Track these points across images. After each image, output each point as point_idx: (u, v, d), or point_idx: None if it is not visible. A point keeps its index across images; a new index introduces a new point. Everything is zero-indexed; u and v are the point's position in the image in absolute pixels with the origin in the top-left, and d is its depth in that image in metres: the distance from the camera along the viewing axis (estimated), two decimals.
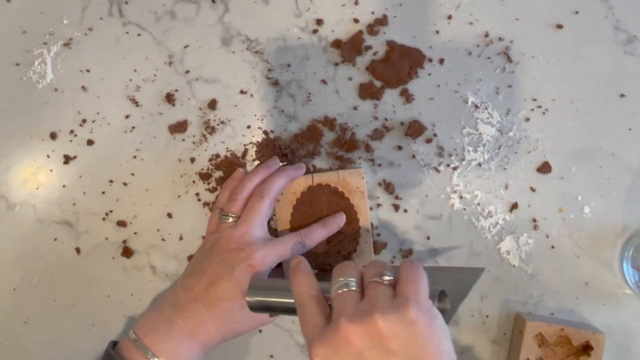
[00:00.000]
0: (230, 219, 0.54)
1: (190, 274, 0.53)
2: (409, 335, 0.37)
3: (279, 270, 0.56)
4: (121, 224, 0.59)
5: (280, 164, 0.58)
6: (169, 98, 0.60)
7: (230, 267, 0.51)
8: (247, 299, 0.48)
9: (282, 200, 0.57)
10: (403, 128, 0.60)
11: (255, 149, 0.60)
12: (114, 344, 0.51)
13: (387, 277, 0.40)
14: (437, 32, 0.60)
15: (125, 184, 0.60)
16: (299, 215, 0.57)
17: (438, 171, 0.60)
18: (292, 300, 0.44)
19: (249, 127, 0.60)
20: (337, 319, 0.38)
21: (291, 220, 0.57)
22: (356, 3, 0.60)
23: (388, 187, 0.59)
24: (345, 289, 0.40)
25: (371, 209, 0.59)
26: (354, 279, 0.41)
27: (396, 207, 0.59)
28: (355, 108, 0.60)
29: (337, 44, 0.60)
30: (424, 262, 0.60)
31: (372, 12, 0.60)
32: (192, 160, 0.60)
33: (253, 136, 0.60)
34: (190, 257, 0.59)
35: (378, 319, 0.36)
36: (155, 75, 0.60)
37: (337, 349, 0.37)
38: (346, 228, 0.57)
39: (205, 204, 0.59)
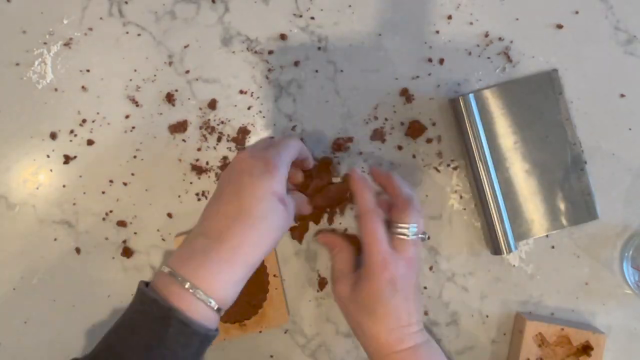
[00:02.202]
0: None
1: (213, 201, 0.49)
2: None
3: None
4: (121, 224, 0.59)
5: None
6: (169, 98, 0.60)
7: (250, 174, 0.47)
8: None
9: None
10: (403, 128, 0.60)
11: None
12: (146, 284, 0.46)
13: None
14: (437, 32, 0.60)
15: (125, 184, 0.60)
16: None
17: (438, 171, 0.60)
18: None
19: (249, 126, 0.60)
20: (413, 255, 0.51)
21: None
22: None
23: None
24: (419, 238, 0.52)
25: None
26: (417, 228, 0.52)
27: None
28: (355, 108, 0.60)
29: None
30: (425, 262, 0.60)
31: (372, 12, 0.60)
32: (192, 160, 0.60)
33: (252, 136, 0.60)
34: None
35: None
36: (155, 75, 0.60)
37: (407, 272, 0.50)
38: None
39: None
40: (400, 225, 0.51)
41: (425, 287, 0.59)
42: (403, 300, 0.49)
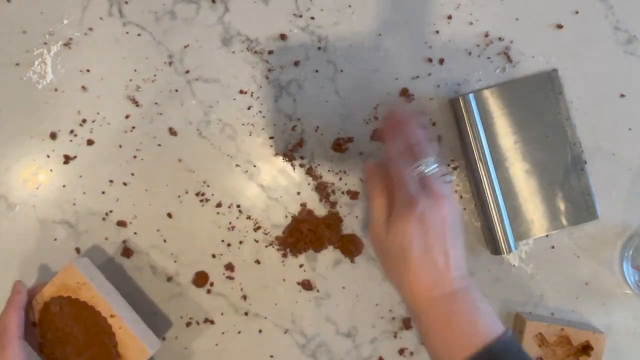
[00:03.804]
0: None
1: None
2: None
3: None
4: (121, 224, 0.59)
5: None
6: (169, 98, 0.60)
7: None
8: None
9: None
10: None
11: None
12: None
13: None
14: (437, 32, 0.60)
15: (125, 184, 0.60)
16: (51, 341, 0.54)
17: None
18: None
19: (249, 126, 0.60)
20: (442, 195, 0.47)
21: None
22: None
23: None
24: (435, 170, 0.49)
25: None
26: (436, 164, 0.49)
27: None
28: (355, 108, 0.60)
29: None
30: None
31: (372, 12, 0.60)
32: (192, 160, 0.60)
33: (252, 135, 0.60)
34: None
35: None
36: (155, 75, 0.60)
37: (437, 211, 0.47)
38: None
39: (206, 199, 0.59)
40: (416, 164, 0.48)
41: None
42: (437, 239, 0.46)
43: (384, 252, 0.49)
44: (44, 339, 0.53)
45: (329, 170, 0.60)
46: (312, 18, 0.60)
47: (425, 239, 0.46)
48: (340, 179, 0.60)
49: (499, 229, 0.56)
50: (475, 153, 0.57)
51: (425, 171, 0.48)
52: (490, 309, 0.46)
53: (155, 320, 0.59)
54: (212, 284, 0.59)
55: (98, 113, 0.60)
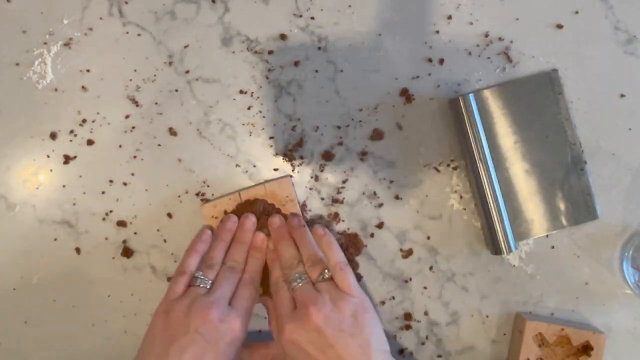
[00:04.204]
0: (209, 285, 0.52)
1: (166, 347, 0.48)
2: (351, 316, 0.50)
3: None
4: (121, 224, 0.59)
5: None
6: (169, 98, 0.60)
7: (212, 339, 0.48)
8: None
9: (212, 222, 0.57)
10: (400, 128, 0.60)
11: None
12: None
13: (327, 275, 0.53)
14: (437, 32, 0.60)
15: (125, 184, 0.60)
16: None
17: (438, 171, 0.60)
18: None
19: (249, 126, 0.60)
20: (306, 306, 0.50)
21: None
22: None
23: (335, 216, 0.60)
24: (302, 283, 0.52)
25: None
26: (304, 274, 0.53)
27: (396, 207, 0.59)
28: (355, 108, 0.60)
29: None
30: (425, 262, 0.60)
31: (372, 12, 0.60)
32: (192, 160, 0.60)
33: (252, 135, 0.60)
34: None
35: (336, 307, 0.50)
36: (155, 75, 0.60)
37: (304, 327, 0.49)
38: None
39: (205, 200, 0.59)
40: (289, 280, 0.53)
41: (425, 287, 0.59)
42: (322, 350, 0.48)
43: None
44: None
45: (328, 171, 0.60)
46: (312, 18, 0.60)
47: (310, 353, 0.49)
48: (343, 180, 0.60)
49: (499, 228, 0.56)
50: (475, 153, 0.57)
51: (298, 285, 0.52)
52: None
53: None
54: None
55: (98, 113, 0.60)
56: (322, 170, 0.60)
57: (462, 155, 0.59)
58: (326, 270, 0.53)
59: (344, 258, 0.54)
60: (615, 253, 0.59)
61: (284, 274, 0.54)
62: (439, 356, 0.59)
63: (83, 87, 0.60)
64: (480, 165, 0.57)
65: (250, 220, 0.57)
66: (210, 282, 0.53)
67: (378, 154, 0.60)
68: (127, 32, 0.60)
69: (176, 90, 0.60)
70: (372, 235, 0.59)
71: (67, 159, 0.59)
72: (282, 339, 0.50)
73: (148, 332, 0.51)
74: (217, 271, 0.54)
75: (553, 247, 0.59)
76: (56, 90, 0.60)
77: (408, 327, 0.59)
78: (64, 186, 0.60)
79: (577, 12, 0.60)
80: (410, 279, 0.59)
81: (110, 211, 0.60)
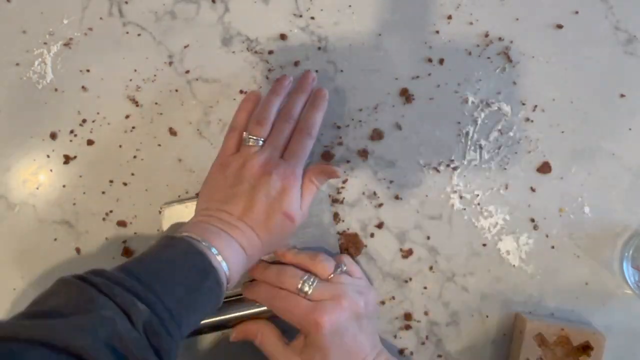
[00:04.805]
0: (260, 142, 0.53)
1: (225, 199, 0.51)
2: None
3: None
4: (121, 224, 0.59)
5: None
6: (169, 98, 0.60)
7: (266, 191, 0.50)
8: None
9: None
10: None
11: None
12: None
13: (344, 268, 0.54)
14: (437, 32, 0.60)
15: (125, 184, 0.60)
16: None
17: (438, 171, 0.60)
18: None
19: None
20: (340, 298, 0.50)
21: None
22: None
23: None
24: (313, 285, 0.51)
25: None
26: (312, 277, 0.52)
27: (396, 207, 0.59)
28: (355, 108, 0.60)
29: None
30: (425, 262, 0.60)
31: (372, 12, 0.60)
32: (192, 160, 0.60)
33: None
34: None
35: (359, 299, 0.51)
36: (155, 75, 0.60)
37: (340, 315, 0.50)
38: None
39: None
40: (296, 290, 0.51)
41: (425, 287, 0.59)
42: (352, 340, 0.49)
43: None
44: None
45: None
46: (312, 18, 0.60)
47: (342, 344, 0.49)
48: (343, 180, 0.60)
49: None
50: None
51: (310, 288, 0.51)
52: None
53: None
54: None
55: (98, 113, 0.60)
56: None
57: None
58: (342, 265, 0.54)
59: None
60: (615, 253, 0.59)
61: (291, 284, 0.52)
62: (439, 356, 0.59)
63: (83, 87, 0.60)
64: None
65: (311, 74, 0.57)
66: (260, 139, 0.53)
67: (378, 154, 0.60)
68: (127, 32, 0.60)
69: (176, 90, 0.60)
70: (372, 235, 0.59)
71: (67, 159, 0.59)
72: (322, 332, 0.48)
73: (207, 182, 0.53)
74: (268, 126, 0.53)
75: (553, 247, 0.59)
76: (56, 90, 0.60)
77: (408, 327, 0.59)
78: (64, 186, 0.60)
79: (577, 12, 0.60)
80: (410, 279, 0.59)
81: (110, 211, 0.60)
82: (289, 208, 0.51)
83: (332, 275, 0.52)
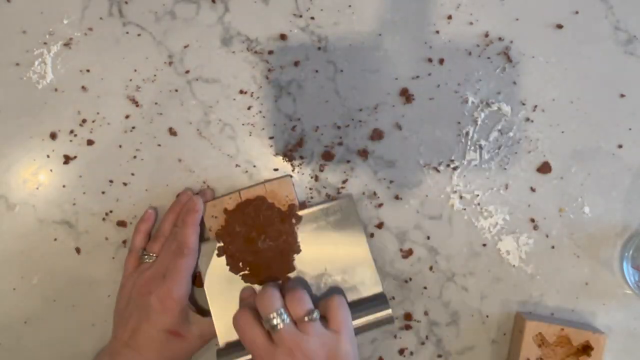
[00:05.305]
0: (152, 259, 0.56)
1: (117, 322, 0.55)
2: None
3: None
4: (121, 224, 0.59)
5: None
6: (169, 98, 0.60)
7: (146, 311, 0.52)
8: None
9: (211, 221, 0.57)
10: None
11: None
12: None
13: (315, 315, 0.49)
14: (437, 32, 0.60)
15: (125, 184, 0.60)
16: (232, 234, 0.56)
17: (438, 171, 0.60)
18: None
19: (249, 126, 0.60)
20: (293, 353, 0.47)
21: (225, 241, 0.56)
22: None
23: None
24: (282, 324, 0.48)
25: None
26: (285, 314, 0.49)
27: (396, 207, 0.59)
28: (355, 108, 0.60)
29: None
30: (425, 262, 0.60)
31: (372, 12, 0.60)
32: (192, 160, 0.60)
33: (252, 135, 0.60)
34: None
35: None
36: (155, 75, 0.60)
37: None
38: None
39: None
40: (266, 317, 0.49)
41: (425, 287, 0.59)
42: None
43: None
44: (231, 237, 0.56)
45: (328, 171, 0.60)
46: (312, 18, 0.60)
47: None
48: (343, 180, 0.60)
49: None
50: None
51: (279, 325, 0.48)
52: None
53: None
54: None
55: (98, 113, 0.60)
56: (322, 170, 0.60)
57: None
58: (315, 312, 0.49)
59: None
60: (615, 253, 0.59)
61: (265, 307, 0.50)
62: (439, 356, 0.59)
63: (83, 87, 0.60)
64: None
65: (187, 193, 0.58)
66: (153, 255, 0.56)
67: (378, 154, 0.60)
68: (127, 32, 0.60)
69: (176, 90, 0.60)
70: (372, 235, 0.59)
71: (67, 159, 0.60)
72: None
73: (115, 304, 0.57)
74: (161, 242, 0.56)
75: (553, 247, 0.59)
76: (56, 90, 0.60)
77: (408, 327, 0.59)
78: (64, 186, 0.60)
79: (577, 12, 0.60)
80: (410, 279, 0.59)
81: (110, 211, 0.60)
82: (173, 326, 0.53)
83: (305, 319, 0.49)
